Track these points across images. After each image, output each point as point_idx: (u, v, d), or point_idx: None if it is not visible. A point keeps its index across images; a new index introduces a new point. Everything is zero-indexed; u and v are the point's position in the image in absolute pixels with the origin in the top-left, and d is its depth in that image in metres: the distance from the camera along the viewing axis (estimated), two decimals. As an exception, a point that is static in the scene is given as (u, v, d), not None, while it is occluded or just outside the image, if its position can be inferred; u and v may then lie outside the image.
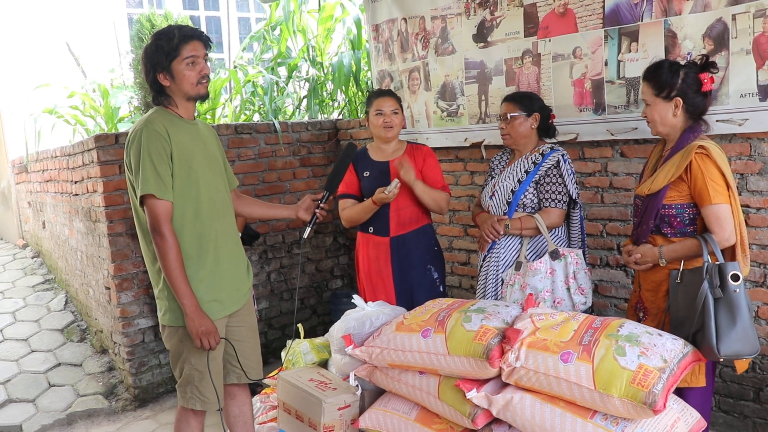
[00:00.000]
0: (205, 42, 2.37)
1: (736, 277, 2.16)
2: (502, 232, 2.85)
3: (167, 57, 2.29)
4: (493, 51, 3.72)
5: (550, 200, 2.83)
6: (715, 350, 2.11)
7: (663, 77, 2.39)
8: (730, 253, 2.35)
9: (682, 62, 2.46)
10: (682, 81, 2.37)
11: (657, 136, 2.57)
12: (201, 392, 2.40)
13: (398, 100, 3.20)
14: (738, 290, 2.15)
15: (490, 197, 2.97)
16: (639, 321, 2.56)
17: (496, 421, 2.13)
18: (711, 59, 2.41)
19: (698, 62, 2.41)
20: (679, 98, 2.38)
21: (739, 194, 2.89)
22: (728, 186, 2.31)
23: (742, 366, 2.42)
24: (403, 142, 3.27)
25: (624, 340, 1.95)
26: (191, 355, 2.37)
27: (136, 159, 2.26)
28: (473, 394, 2.07)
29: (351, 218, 3.19)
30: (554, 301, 2.76)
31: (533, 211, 2.87)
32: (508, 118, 2.89)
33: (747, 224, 2.88)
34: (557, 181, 2.84)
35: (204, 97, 2.41)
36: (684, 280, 2.32)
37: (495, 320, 2.19)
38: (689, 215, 2.38)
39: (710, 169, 2.30)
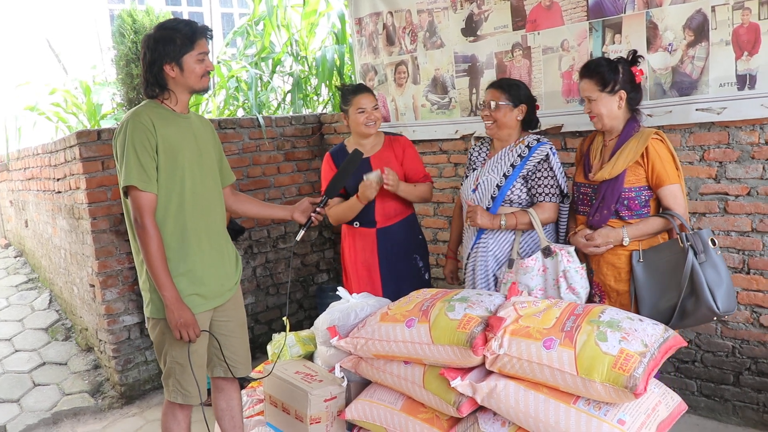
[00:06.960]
0: (209, 39, 2.42)
1: (713, 241, 2.42)
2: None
3: (181, 49, 2.30)
4: (482, 45, 3.73)
5: (544, 194, 2.74)
6: (715, 308, 2.33)
7: (606, 73, 2.51)
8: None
9: (613, 58, 2.60)
10: (622, 75, 2.51)
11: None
12: (182, 385, 2.40)
13: (374, 94, 3.22)
14: (718, 251, 2.42)
15: (473, 191, 2.87)
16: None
17: (480, 408, 2.15)
18: (638, 54, 2.58)
19: (627, 57, 2.56)
20: (623, 91, 2.52)
21: (718, 182, 2.95)
22: (677, 168, 2.51)
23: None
24: (381, 135, 3.28)
25: (605, 325, 1.97)
26: (172, 347, 2.38)
27: (121, 150, 2.26)
28: (458, 383, 2.09)
29: (338, 216, 3.19)
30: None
31: (520, 206, 2.78)
32: (493, 106, 2.78)
33: (726, 211, 2.97)
34: (549, 175, 2.75)
35: (205, 91, 2.47)
36: (646, 259, 2.51)
37: (478, 309, 2.21)
38: (645, 197, 2.54)
39: (665, 152, 2.49)
